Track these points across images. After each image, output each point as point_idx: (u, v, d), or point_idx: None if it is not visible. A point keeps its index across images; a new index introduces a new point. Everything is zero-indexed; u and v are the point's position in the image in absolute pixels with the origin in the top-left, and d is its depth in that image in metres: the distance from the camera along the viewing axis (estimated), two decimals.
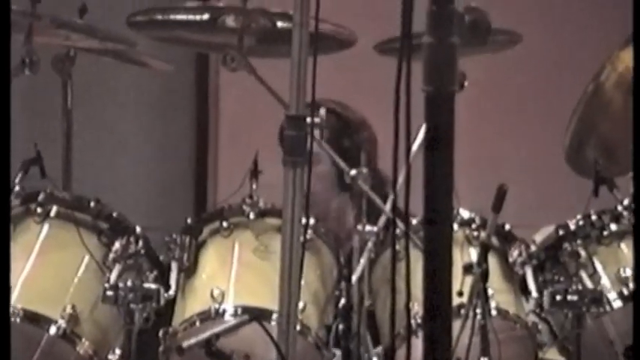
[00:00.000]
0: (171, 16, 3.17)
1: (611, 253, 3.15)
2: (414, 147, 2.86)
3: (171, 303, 2.97)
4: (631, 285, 3.09)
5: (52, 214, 3.05)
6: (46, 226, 3.04)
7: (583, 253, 3.12)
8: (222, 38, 3.08)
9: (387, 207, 3.01)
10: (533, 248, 3.14)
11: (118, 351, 2.89)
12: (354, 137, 3.45)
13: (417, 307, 2.83)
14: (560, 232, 3.17)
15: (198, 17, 3.12)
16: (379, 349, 2.98)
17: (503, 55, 3.33)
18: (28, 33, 3.13)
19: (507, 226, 3.13)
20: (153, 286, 2.91)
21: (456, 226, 3.06)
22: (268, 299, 2.78)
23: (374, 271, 3.05)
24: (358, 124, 3.53)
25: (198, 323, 2.87)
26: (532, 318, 3.07)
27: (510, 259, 3.10)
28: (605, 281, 3.10)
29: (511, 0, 4.49)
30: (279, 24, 3.08)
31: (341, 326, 2.98)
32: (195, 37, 3.22)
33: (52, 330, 2.84)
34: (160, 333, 2.88)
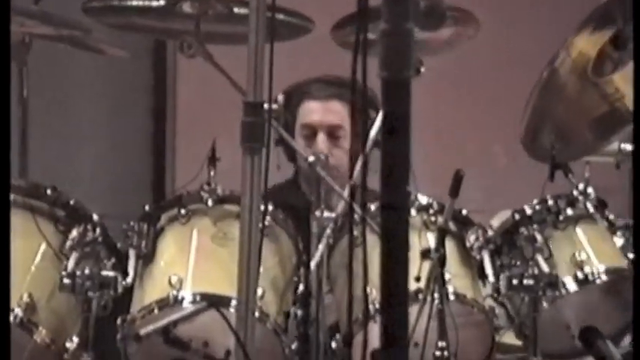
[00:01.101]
0: (128, 2, 3.15)
1: (567, 238, 3.18)
2: (372, 132, 2.86)
3: (129, 290, 2.96)
4: (586, 268, 3.12)
5: None
6: None
7: (539, 237, 3.14)
8: (179, 25, 3.07)
9: (345, 193, 3.02)
10: (490, 233, 3.16)
11: (75, 339, 2.88)
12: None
13: (375, 293, 2.84)
14: (517, 217, 3.19)
15: (154, 3, 3.10)
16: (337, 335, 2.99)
17: (461, 40, 3.34)
18: None
19: (464, 211, 3.14)
20: (110, 273, 2.90)
21: (413, 212, 3.07)
22: (227, 286, 2.78)
23: (332, 257, 3.06)
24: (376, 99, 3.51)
25: (156, 310, 2.87)
26: (489, 302, 3.09)
27: (467, 244, 3.12)
28: (560, 265, 3.13)
29: None
30: (236, 10, 3.07)
31: (300, 312, 2.98)
32: (151, 24, 3.21)
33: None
34: (118, 321, 2.87)
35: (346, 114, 3.42)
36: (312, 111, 3.45)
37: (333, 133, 3.43)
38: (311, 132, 3.45)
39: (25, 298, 2.85)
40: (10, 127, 2.46)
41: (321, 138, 3.43)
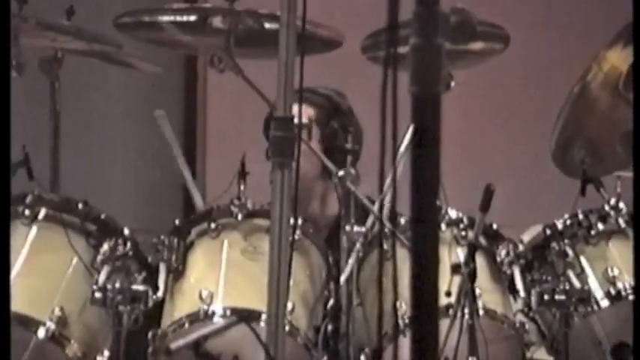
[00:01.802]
0: (159, 18, 3.17)
1: (599, 253, 3.16)
2: (402, 148, 2.86)
3: (160, 305, 2.97)
4: (618, 284, 3.10)
5: (40, 216, 3.05)
6: (34, 229, 3.04)
7: (570, 252, 3.13)
8: (210, 39, 3.08)
9: (375, 208, 3.02)
10: (520, 248, 3.15)
11: (106, 353, 2.89)
12: (343, 120, 3.44)
13: (405, 307, 2.84)
14: (548, 232, 3.17)
15: (185, 18, 3.12)
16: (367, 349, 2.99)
17: (492, 54, 3.33)
18: (15, 34, 3.13)
19: (495, 226, 3.13)
20: (141, 287, 2.91)
21: (443, 226, 3.07)
22: (257, 300, 2.78)
23: (362, 271, 3.05)
24: (347, 110, 3.51)
25: (187, 325, 2.87)
26: (520, 317, 3.07)
27: (498, 259, 3.11)
28: (592, 281, 3.11)
29: (498, 0, 4.51)
30: (267, 25, 3.08)
31: (330, 327, 2.98)
32: (182, 39, 3.22)
33: (41, 332, 2.84)
34: (149, 335, 2.88)
35: (312, 115, 3.39)
36: None
37: None
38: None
39: (57, 312, 2.86)
40: (10, 127, 2.47)
41: None
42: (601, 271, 3.12)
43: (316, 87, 3.47)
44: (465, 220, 3.10)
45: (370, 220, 3.04)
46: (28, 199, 3.05)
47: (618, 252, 3.17)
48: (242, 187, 3.10)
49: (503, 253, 3.11)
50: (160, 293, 2.95)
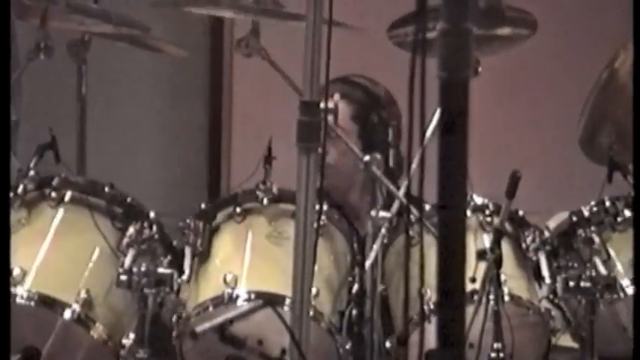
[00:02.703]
0: None
1: (625, 240, 3.14)
2: (429, 132, 2.86)
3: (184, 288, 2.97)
4: None
5: (67, 198, 3.06)
6: (60, 211, 3.05)
7: (597, 239, 3.11)
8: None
9: (401, 192, 3.01)
10: (546, 234, 3.14)
11: (131, 335, 2.90)
12: (382, 113, 3.43)
13: (430, 293, 2.84)
14: (574, 219, 3.16)
15: None
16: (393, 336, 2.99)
17: (519, 40, 3.31)
18: (43, 17, 3.14)
19: (521, 212, 3.12)
20: (167, 271, 2.91)
21: (469, 212, 3.06)
22: (282, 285, 2.79)
23: (387, 257, 3.05)
24: (386, 101, 3.50)
25: (211, 308, 2.88)
26: (545, 304, 3.06)
27: (524, 245, 3.10)
28: (618, 268, 3.10)
29: None
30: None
31: (354, 312, 2.98)
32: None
33: (67, 314, 2.85)
34: (174, 318, 2.89)
35: (347, 112, 3.40)
36: None
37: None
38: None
39: (83, 294, 2.88)
40: (9, 127, 2.48)
41: None
42: (627, 259, 3.10)
43: (350, 75, 3.44)
44: (491, 207, 3.09)
45: (396, 205, 3.03)
46: (55, 182, 3.06)
47: None
48: (268, 172, 3.10)
49: (528, 239, 3.10)
50: (185, 276, 2.96)
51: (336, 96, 2.99)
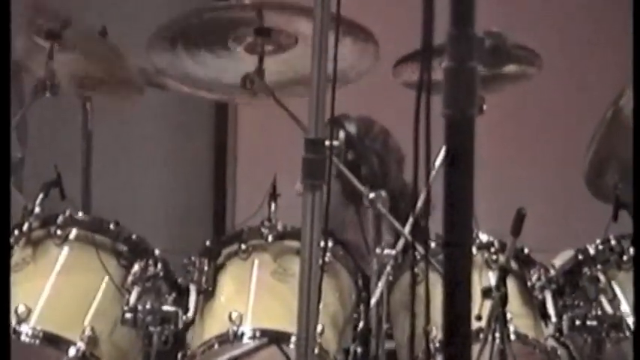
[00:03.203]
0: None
1: (631, 278, 3.14)
2: (434, 170, 2.86)
3: (190, 326, 2.97)
4: None
5: (72, 236, 3.06)
6: (65, 249, 3.05)
7: (602, 277, 3.11)
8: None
9: (406, 230, 3.01)
10: (552, 272, 3.13)
11: None
12: (358, 150, 3.43)
13: (436, 331, 2.83)
14: (580, 257, 3.15)
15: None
16: None
17: (524, 78, 3.32)
18: (50, 55, 3.15)
19: (526, 250, 3.12)
20: (171, 308, 2.91)
21: (474, 250, 3.05)
22: (287, 322, 2.78)
23: (392, 294, 3.05)
24: (362, 136, 3.50)
25: (216, 346, 2.87)
26: (551, 343, 3.05)
27: (529, 284, 3.09)
28: (624, 306, 3.09)
29: (531, 24, 4.50)
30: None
31: (359, 349, 2.97)
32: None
33: (72, 352, 2.84)
34: (179, 356, 2.88)
35: None
36: None
37: None
38: None
39: (88, 332, 2.87)
40: (10, 126, 2.48)
41: None
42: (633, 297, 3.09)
43: (344, 114, 3.45)
44: (496, 244, 3.09)
45: (401, 243, 3.03)
46: (60, 220, 3.06)
47: None
48: (273, 209, 3.10)
49: (534, 277, 3.10)
50: (189, 314, 2.95)
51: (342, 134, 3.00)
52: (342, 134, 2.84)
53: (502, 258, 2.96)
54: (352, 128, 3.42)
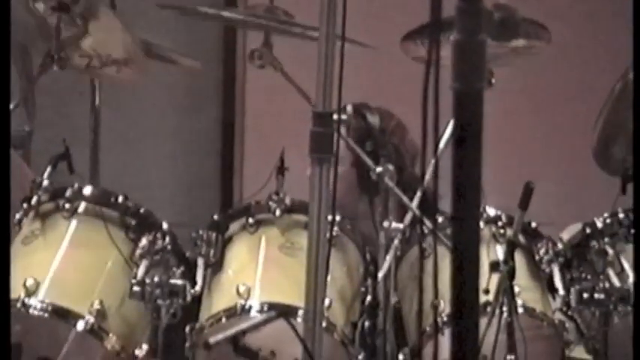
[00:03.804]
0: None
1: None
2: (442, 144, 2.85)
3: (198, 299, 2.98)
4: None
5: (80, 210, 3.06)
6: (74, 222, 3.05)
7: (610, 251, 3.10)
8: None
9: (414, 204, 3.01)
10: (560, 246, 3.13)
11: (144, 346, 2.90)
12: (378, 142, 3.43)
13: (444, 305, 2.83)
14: (588, 230, 3.15)
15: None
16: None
17: (533, 52, 3.31)
18: (57, 29, 3.15)
19: (534, 224, 3.12)
20: (179, 282, 2.91)
21: (482, 224, 3.05)
22: (294, 296, 2.79)
23: (400, 268, 3.05)
24: (383, 130, 3.50)
25: (224, 319, 2.88)
26: (559, 316, 3.06)
27: (537, 257, 3.09)
28: (632, 279, 3.09)
29: None
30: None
31: (367, 323, 2.98)
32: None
33: (80, 325, 2.85)
34: (187, 329, 2.89)
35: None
36: None
37: None
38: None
39: (96, 305, 2.88)
40: (10, 126, 2.48)
41: None
42: None
43: (364, 104, 3.45)
44: (504, 218, 3.08)
45: (409, 217, 3.03)
46: (68, 193, 3.07)
47: None
48: (280, 183, 3.10)
49: (542, 251, 3.10)
50: (197, 287, 2.96)
51: (349, 108, 2.98)
52: (349, 107, 2.83)
53: (510, 232, 2.96)
54: (373, 119, 3.41)
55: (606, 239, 3.13)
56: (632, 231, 3.09)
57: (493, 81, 3.03)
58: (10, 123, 2.50)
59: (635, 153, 2.82)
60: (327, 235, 2.50)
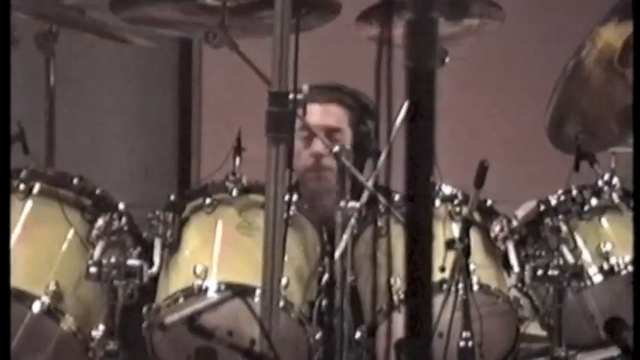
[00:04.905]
0: None
1: (592, 228, 3.18)
2: (397, 123, 2.86)
3: (155, 279, 2.98)
4: (611, 259, 3.11)
5: (35, 190, 3.05)
6: (29, 203, 3.04)
7: (564, 228, 3.14)
8: (203, 17, 3.07)
9: (370, 183, 3.02)
10: (514, 223, 3.16)
11: (101, 327, 2.90)
12: (370, 122, 3.46)
13: (399, 283, 2.85)
14: (542, 208, 3.18)
15: None
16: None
17: (486, 30, 3.33)
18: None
19: (489, 202, 3.14)
20: (136, 262, 2.91)
21: (438, 202, 3.07)
22: (251, 275, 2.79)
23: (357, 247, 3.06)
24: (373, 110, 3.52)
25: (181, 300, 2.88)
26: (514, 293, 3.09)
27: (492, 235, 3.12)
28: (585, 256, 3.13)
29: None
30: None
31: (324, 302, 2.99)
32: (175, 18, 3.21)
33: (36, 306, 2.84)
34: (144, 309, 2.89)
35: (345, 118, 3.45)
36: (312, 113, 3.41)
37: (330, 135, 3.39)
38: (309, 133, 3.42)
39: (52, 286, 2.87)
40: (10, 126, 2.47)
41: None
42: (594, 247, 3.13)
43: (340, 85, 3.47)
44: (460, 196, 3.11)
45: (365, 195, 3.04)
46: (23, 174, 3.05)
47: (611, 227, 3.18)
48: (237, 163, 3.10)
49: (497, 228, 3.12)
50: (154, 268, 2.96)
51: (305, 87, 2.98)
52: (305, 87, 2.83)
53: (465, 210, 2.98)
54: (366, 99, 3.43)
55: (560, 216, 3.16)
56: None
57: (447, 59, 3.04)
58: (10, 123, 2.48)
59: (634, 153, 2.85)
60: (284, 215, 2.50)
